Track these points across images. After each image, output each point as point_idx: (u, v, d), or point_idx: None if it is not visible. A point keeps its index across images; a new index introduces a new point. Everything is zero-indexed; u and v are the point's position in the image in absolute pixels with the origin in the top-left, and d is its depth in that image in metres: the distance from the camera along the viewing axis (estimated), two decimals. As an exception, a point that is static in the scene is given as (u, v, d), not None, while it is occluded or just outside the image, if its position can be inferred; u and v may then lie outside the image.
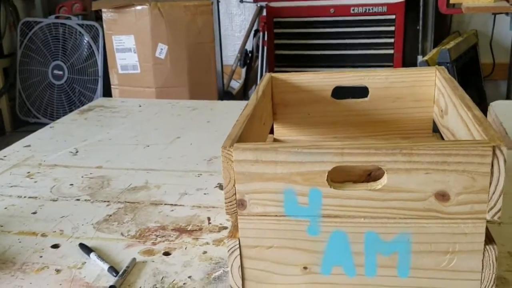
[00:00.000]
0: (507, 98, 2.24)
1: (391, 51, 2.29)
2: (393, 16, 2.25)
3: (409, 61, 2.34)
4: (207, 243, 0.62)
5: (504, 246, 0.57)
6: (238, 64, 2.63)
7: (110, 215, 0.70)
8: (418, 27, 2.33)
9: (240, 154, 0.45)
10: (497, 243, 0.45)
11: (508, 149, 0.87)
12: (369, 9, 2.27)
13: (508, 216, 0.63)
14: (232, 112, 1.14)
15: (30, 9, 3.02)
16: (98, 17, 2.71)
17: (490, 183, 0.42)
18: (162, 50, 1.89)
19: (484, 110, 1.10)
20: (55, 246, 0.63)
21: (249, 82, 2.71)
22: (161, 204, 0.72)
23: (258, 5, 2.60)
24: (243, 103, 1.27)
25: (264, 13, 2.54)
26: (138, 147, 0.95)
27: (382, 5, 2.25)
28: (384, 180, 0.44)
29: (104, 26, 2.01)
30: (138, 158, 0.90)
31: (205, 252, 0.60)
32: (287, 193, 0.45)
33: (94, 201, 0.74)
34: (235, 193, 0.46)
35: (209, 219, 0.68)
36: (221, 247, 0.61)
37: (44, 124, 1.15)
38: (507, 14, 2.10)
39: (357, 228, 0.45)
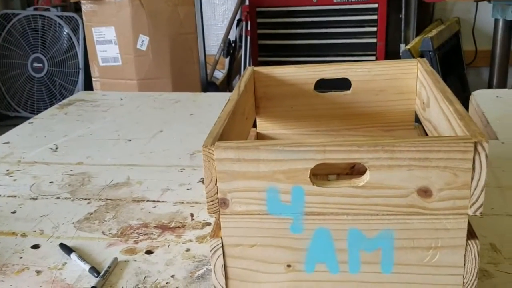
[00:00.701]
0: (489, 85, 2.26)
1: (374, 40, 2.29)
2: (376, 5, 2.25)
3: (392, 50, 2.34)
4: (190, 240, 0.61)
5: (486, 238, 0.57)
6: (222, 54, 2.61)
7: (91, 213, 0.69)
8: (400, 16, 2.33)
9: (221, 152, 0.44)
10: (479, 235, 0.45)
11: (490, 139, 0.88)
12: (351, -2, 2.26)
13: (490, 208, 0.64)
14: (216, 104, 1.13)
15: (8, 1, 2.95)
16: (77, 8, 2.66)
17: (472, 179, 0.42)
18: (143, 42, 1.86)
19: (467, 98, 1.11)
20: (35, 246, 0.62)
21: (233, 72, 2.69)
22: (143, 200, 0.71)
23: (241, -6, 2.58)
24: (226, 95, 1.26)
25: (247, 3, 2.51)
26: (119, 142, 0.94)
27: (364, -7, 2.25)
28: (366, 177, 0.43)
29: (84, 17, 1.97)
30: (120, 154, 0.88)
31: (188, 250, 0.59)
32: (269, 192, 0.45)
33: (75, 199, 0.73)
34: (217, 192, 0.45)
35: (192, 215, 0.67)
36: (204, 244, 0.60)
37: (25, 118, 1.13)
38: (489, 1, 2.11)
39: (340, 225, 0.45)
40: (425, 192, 0.43)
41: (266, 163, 0.44)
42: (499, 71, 2.19)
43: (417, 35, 2.26)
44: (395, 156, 0.42)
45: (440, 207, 0.43)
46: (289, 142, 0.44)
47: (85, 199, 0.73)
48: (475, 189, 0.42)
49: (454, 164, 0.42)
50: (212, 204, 0.46)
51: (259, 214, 0.45)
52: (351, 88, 0.68)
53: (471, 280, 0.45)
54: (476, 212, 0.43)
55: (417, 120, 0.68)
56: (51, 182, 0.79)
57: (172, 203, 0.70)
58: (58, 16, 2.63)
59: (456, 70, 2.27)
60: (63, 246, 0.60)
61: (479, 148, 0.41)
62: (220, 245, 0.47)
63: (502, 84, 2.21)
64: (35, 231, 0.65)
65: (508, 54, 2.21)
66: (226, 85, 2.68)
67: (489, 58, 2.28)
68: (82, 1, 1.94)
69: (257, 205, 0.45)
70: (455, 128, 0.47)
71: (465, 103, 0.99)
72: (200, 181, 0.76)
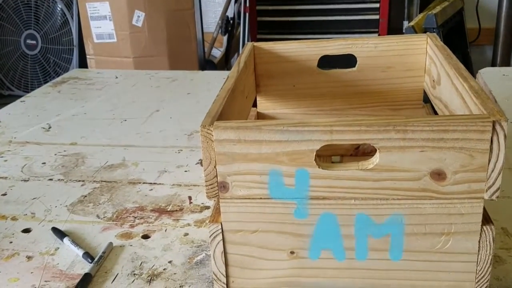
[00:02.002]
0: (493, 63, 2.22)
1: (377, 17, 2.23)
2: (378, -20, 2.19)
3: (394, 27, 2.29)
4: (188, 225, 0.59)
5: (498, 222, 0.55)
6: (220, 31, 2.55)
7: (85, 196, 0.66)
8: (403, -9, 2.28)
9: (221, 133, 0.41)
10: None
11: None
12: (353, -27, 2.20)
13: (501, 190, 0.61)
14: (214, 83, 1.10)
15: (-1, -25, 2.88)
16: (71, -18, 2.59)
17: (489, 161, 0.39)
18: (139, 18, 1.81)
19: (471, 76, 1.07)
20: (27, 230, 0.59)
21: (231, 50, 2.64)
22: (140, 183, 0.69)
23: (239, -31, 2.51)
24: (225, 73, 1.22)
25: (245, -22, 2.45)
26: (114, 121, 0.91)
27: (366, -32, 2.19)
28: (376, 159, 0.41)
29: (77, -8, 1.91)
30: (115, 134, 0.85)
31: (186, 234, 0.57)
32: (272, 174, 0.42)
33: (68, 181, 0.70)
34: (216, 175, 0.42)
35: (190, 198, 0.64)
36: (203, 229, 0.58)
37: (19, 97, 1.10)
38: (493, -23, 2.06)
39: (347, 210, 0.42)
40: (438, 175, 0.40)
41: (269, 145, 0.41)
42: (503, 49, 2.15)
43: (420, 11, 2.20)
44: (408, 136, 0.39)
45: (454, 190, 0.41)
46: (293, 122, 0.41)
47: (79, 181, 0.70)
48: (492, 171, 0.40)
49: (470, 144, 0.39)
50: (211, 188, 0.43)
51: (261, 198, 0.43)
52: (357, 65, 0.65)
53: (484, 267, 0.43)
54: (492, 196, 0.41)
55: (425, 99, 0.65)
56: (44, 163, 0.76)
57: (169, 185, 0.68)
58: (51, -8, 2.56)
59: (460, 48, 2.22)
60: (55, 230, 0.58)
61: (498, 127, 0.39)
62: (220, 230, 0.44)
63: (506, 63, 2.17)
64: (26, 214, 0.62)
65: (512, 31, 2.16)
66: (224, 64, 2.63)
67: (492, 36, 2.23)
68: (75, -24, 1.88)
69: (258, 189, 0.42)
70: (470, 106, 0.44)
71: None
72: (198, 163, 0.74)
